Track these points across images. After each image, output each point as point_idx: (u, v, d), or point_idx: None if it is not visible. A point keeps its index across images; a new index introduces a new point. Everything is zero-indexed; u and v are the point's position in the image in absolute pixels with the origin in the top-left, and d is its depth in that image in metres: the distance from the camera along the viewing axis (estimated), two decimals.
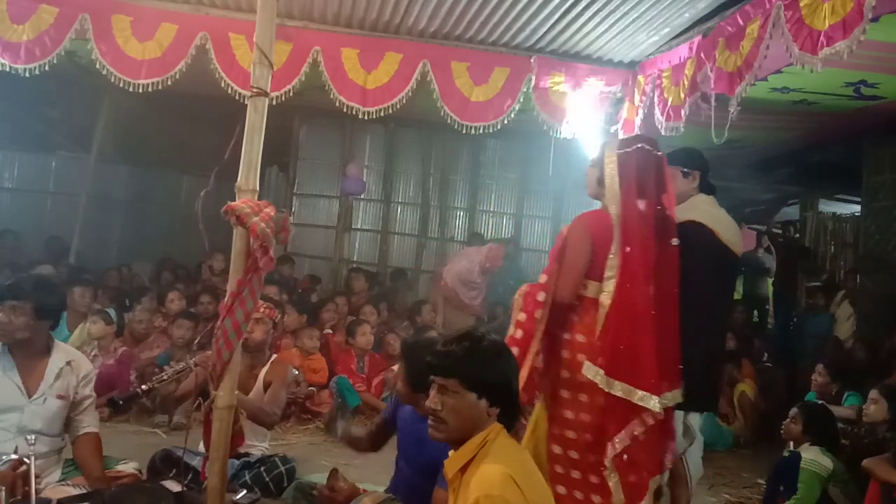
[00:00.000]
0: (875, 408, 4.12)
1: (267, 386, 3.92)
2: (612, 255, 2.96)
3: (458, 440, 2.14)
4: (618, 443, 2.87)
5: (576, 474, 2.98)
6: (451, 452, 2.19)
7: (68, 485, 3.02)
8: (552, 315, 3.04)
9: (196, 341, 5.53)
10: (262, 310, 4.00)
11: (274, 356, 4.18)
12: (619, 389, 2.87)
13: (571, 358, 3.02)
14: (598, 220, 3.09)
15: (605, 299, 2.95)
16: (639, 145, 3.07)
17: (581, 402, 2.98)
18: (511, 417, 2.21)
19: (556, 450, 3.03)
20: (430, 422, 2.15)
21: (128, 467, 3.28)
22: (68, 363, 3.06)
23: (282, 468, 3.71)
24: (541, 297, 3.01)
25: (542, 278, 3.07)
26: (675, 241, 3.03)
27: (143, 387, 3.39)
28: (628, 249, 2.95)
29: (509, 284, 8.26)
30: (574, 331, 3.04)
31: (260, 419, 3.83)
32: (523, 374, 2.88)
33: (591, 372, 2.91)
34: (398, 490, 3.04)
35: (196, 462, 3.38)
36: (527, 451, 2.24)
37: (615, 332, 2.92)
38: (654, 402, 2.86)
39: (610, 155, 3.07)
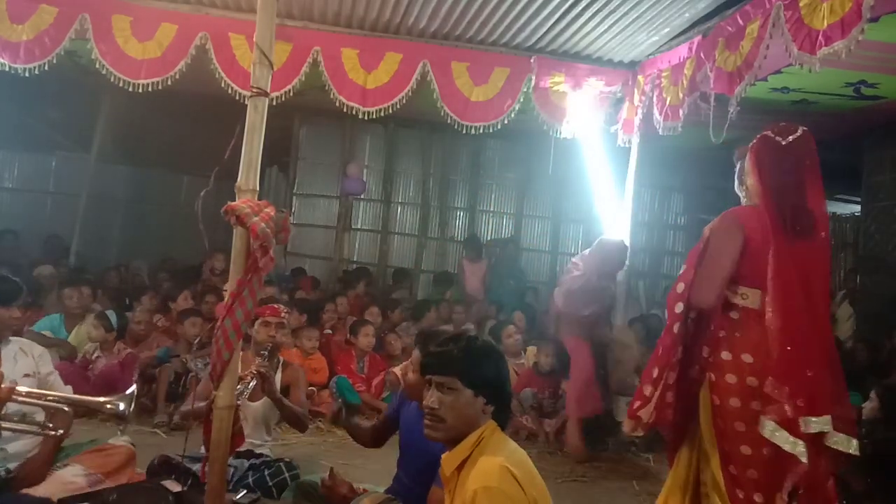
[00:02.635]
0: (870, 406, 4.15)
1: (284, 388, 3.94)
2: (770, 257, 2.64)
3: (454, 439, 2.16)
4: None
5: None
6: (444, 455, 2.20)
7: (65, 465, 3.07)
8: (700, 330, 2.75)
9: (197, 340, 5.54)
10: (283, 314, 4.05)
11: (282, 359, 4.19)
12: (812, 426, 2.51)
13: (740, 383, 2.65)
14: (753, 216, 2.74)
15: (768, 313, 2.60)
16: (764, 133, 2.78)
17: (760, 436, 2.61)
18: (504, 417, 2.26)
19: (739, 494, 2.65)
20: (426, 421, 2.18)
21: (119, 440, 3.31)
22: (20, 348, 3.22)
23: (286, 474, 3.71)
24: (678, 308, 2.73)
25: (679, 287, 2.76)
26: (821, 235, 2.70)
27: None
28: (774, 243, 2.64)
29: (509, 285, 8.29)
30: (737, 350, 2.68)
31: (300, 422, 3.94)
32: (655, 393, 2.73)
33: (771, 431, 2.54)
34: (400, 490, 3.05)
35: (196, 468, 3.38)
36: (522, 450, 2.23)
37: (785, 346, 2.56)
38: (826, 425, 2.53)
39: (744, 150, 2.84)
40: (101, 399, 2.95)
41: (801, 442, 2.51)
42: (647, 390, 2.80)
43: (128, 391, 2.81)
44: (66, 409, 2.73)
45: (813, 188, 2.76)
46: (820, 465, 2.57)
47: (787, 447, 2.52)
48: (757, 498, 2.62)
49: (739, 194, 3.06)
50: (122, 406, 2.76)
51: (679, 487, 2.83)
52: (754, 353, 2.65)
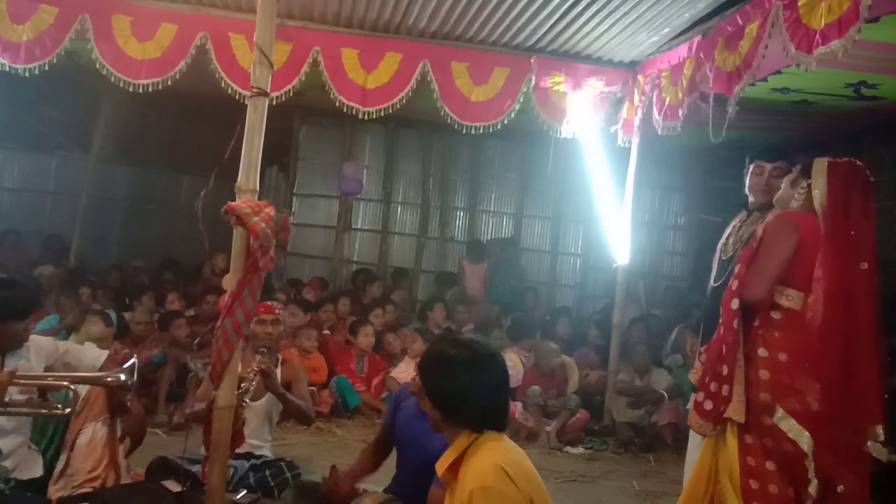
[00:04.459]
0: None
1: (285, 385, 3.95)
2: (819, 263, 2.74)
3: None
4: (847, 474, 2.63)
5: None
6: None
7: None
8: (744, 327, 2.83)
9: (197, 341, 5.54)
10: (276, 311, 4.05)
11: (280, 356, 4.20)
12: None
13: (773, 380, 2.76)
14: (808, 221, 2.84)
15: (816, 308, 2.71)
16: (853, 160, 2.89)
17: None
18: (470, 424, 2.22)
19: (753, 484, 2.76)
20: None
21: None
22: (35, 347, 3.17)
23: (287, 474, 3.70)
24: (734, 304, 2.83)
25: (734, 285, 2.86)
26: (864, 265, 2.76)
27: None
28: (840, 259, 2.73)
29: (510, 285, 8.30)
30: (775, 349, 2.78)
31: (305, 416, 3.97)
32: (737, 391, 2.77)
33: (787, 425, 2.68)
34: (399, 489, 3.05)
35: (196, 469, 3.38)
36: (519, 449, 2.25)
37: (832, 349, 2.68)
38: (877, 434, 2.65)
39: (820, 162, 2.90)
40: (102, 373, 2.98)
41: (806, 433, 2.64)
42: (724, 390, 2.81)
43: (127, 364, 2.83)
44: (72, 387, 2.76)
45: (871, 224, 2.83)
46: (860, 469, 2.67)
47: (791, 434, 2.66)
48: (772, 489, 2.72)
49: (751, 195, 3.27)
50: (123, 377, 2.80)
51: (704, 476, 2.93)
52: (791, 353, 2.76)
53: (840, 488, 2.64)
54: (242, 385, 3.50)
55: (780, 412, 2.69)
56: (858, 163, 2.86)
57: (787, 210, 2.97)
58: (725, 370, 2.80)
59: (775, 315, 2.83)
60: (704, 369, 2.95)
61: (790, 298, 2.82)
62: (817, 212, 2.82)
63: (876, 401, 2.71)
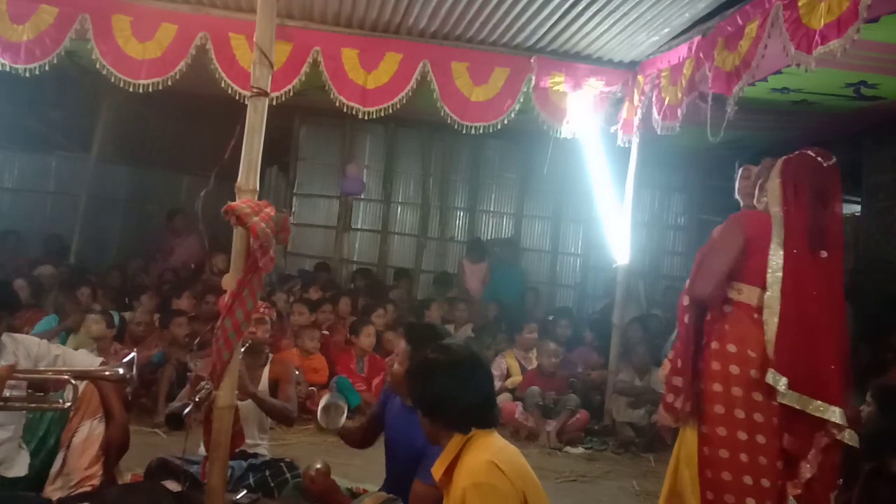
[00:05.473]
0: (868, 410, 4.12)
1: (272, 384, 3.92)
2: (772, 258, 2.84)
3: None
4: (811, 459, 2.71)
5: (730, 499, 2.81)
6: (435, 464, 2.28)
7: None
8: (695, 322, 2.97)
9: (196, 341, 5.54)
10: (262, 310, 4.02)
11: (271, 355, 4.18)
12: (794, 400, 2.73)
13: (723, 370, 2.87)
14: (756, 219, 2.98)
15: (773, 304, 2.81)
16: (805, 152, 2.95)
17: (738, 420, 2.82)
18: (459, 425, 2.26)
19: (708, 473, 2.87)
20: None
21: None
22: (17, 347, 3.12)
23: (287, 474, 3.69)
24: (685, 301, 3.01)
25: (687, 282, 3.03)
26: (823, 254, 2.84)
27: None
28: (794, 252, 2.82)
29: (510, 285, 8.30)
30: (724, 340, 2.90)
31: (284, 417, 3.90)
32: (685, 382, 2.89)
33: (773, 379, 2.75)
34: (386, 487, 3.06)
35: (194, 469, 3.37)
36: (513, 446, 2.28)
37: (791, 341, 2.77)
38: (836, 414, 2.70)
39: (778, 161, 2.99)
40: (101, 367, 2.98)
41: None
42: (678, 381, 2.96)
43: (126, 358, 2.84)
44: (73, 382, 2.77)
45: (835, 211, 2.92)
46: (829, 459, 2.75)
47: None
48: (725, 476, 2.83)
49: (741, 199, 3.26)
50: (121, 371, 2.82)
51: (672, 466, 3.06)
52: (739, 345, 2.88)
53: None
54: (206, 385, 3.41)
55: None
56: (810, 153, 2.92)
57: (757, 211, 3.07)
58: (680, 363, 2.95)
59: (727, 308, 2.95)
60: (672, 366, 3.06)
61: (740, 292, 2.94)
62: (770, 211, 2.90)
63: (837, 382, 2.76)
